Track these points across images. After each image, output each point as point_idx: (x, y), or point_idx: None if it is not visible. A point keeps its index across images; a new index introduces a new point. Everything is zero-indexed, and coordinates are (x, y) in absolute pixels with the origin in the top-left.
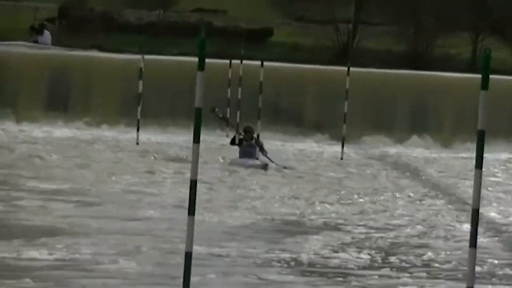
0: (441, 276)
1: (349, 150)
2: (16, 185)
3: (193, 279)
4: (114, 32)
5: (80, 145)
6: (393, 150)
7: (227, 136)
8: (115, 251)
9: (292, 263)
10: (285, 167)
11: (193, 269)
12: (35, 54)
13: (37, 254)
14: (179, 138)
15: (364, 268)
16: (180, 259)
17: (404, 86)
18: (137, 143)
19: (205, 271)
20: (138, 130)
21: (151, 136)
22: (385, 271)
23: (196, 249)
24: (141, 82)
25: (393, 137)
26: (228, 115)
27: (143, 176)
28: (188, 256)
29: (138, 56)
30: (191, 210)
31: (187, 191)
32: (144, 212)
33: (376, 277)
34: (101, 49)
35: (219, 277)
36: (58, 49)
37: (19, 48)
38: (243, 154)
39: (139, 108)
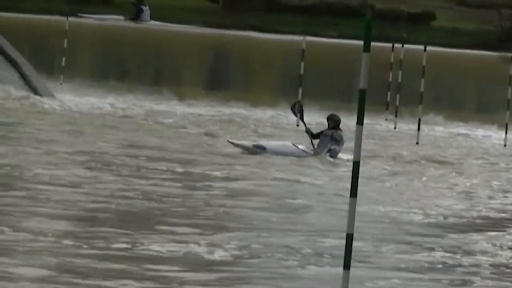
0: None
1: None
2: None
3: None
4: (274, 12)
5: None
6: None
7: (386, 119)
8: None
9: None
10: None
11: None
12: (196, 32)
13: None
14: None
15: None
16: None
17: None
18: (297, 125)
19: None
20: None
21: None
22: None
23: None
24: (302, 64)
25: None
26: (388, 99)
27: None
28: (349, 237)
29: (298, 37)
30: (353, 192)
31: None
32: None
33: None
34: (260, 29)
35: None
36: (154, 24)
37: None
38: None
39: (300, 90)
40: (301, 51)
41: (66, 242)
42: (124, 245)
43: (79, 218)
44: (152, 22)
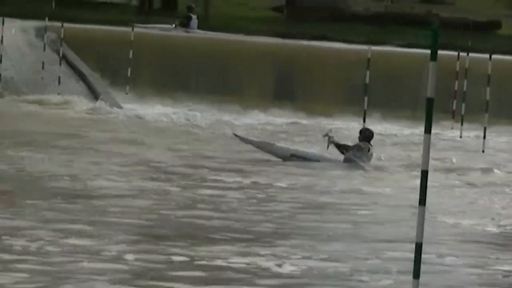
0: None
1: None
2: None
3: None
4: (339, 21)
5: (305, 133)
6: None
7: (452, 128)
8: None
9: None
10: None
11: None
12: (260, 42)
13: None
14: (403, 130)
15: None
16: None
17: None
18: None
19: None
20: (364, 121)
21: (373, 126)
22: None
23: None
24: (368, 73)
25: None
26: (453, 108)
27: None
28: (418, 246)
29: (364, 47)
30: (422, 200)
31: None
32: None
33: None
34: (326, 38)
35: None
36: (202, 33)
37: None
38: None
39: (366, 99)
40: (366, 60)
41: (127, 255)
42: (185, 258)
43: (140, 229)
44: (199, 31)
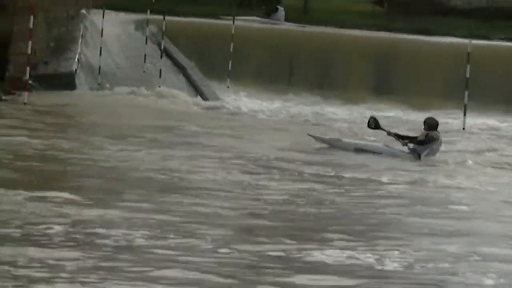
0: None
1: None
2: None
3: None
4: (440, 15)
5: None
6: None
7: None
8: None
9: None
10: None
11: None
12: (361, 36)
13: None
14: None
15: None
16: None
17: None
18: (463, 128)
19: None
20: (464, 114)
21: (479, 120)
22: None
23: None
24: (468, 67)
25: None
26: None
27: None
28: None
29: (464, 41)
30: None
31: None
32: None
33: None
34: (426, 32)
35: None
36: (289, 25)
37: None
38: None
39: (466, 93)
40: (466, 54)
41: (223, 248)
42: (282, 253)
43: (237, 223)
44: (287, 23)
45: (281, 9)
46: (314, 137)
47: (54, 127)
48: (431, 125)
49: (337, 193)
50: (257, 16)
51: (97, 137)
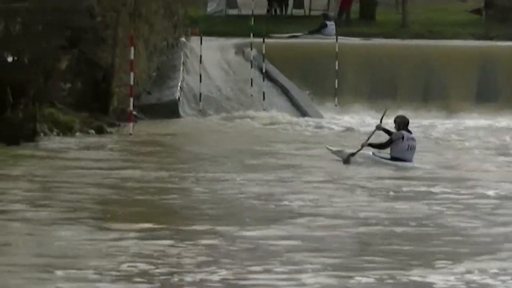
0: None
1: None
2: None
3: None
4: None
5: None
6: None
7: None
8: None
9: None
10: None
11: None
12: (461, 45)
13: None
14: None
15: None
16: None
17: None
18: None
19: None
20: None
21: None
22: None
23: None
24: None
25: None
26: None
27: None
28: None
29: None
30: None
31: None
32: None
33: None
34: None
35: None
36: (342, 39)
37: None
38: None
39: None
40: None
41: (338, 271)
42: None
43: (350, 245)
44: (338, 36)
45: (329, 24)
46: (331, 151)
47: (160, 157)
48: (400, 123)
49: (455, 214)
50: (307, 32)
51: (206, 165)
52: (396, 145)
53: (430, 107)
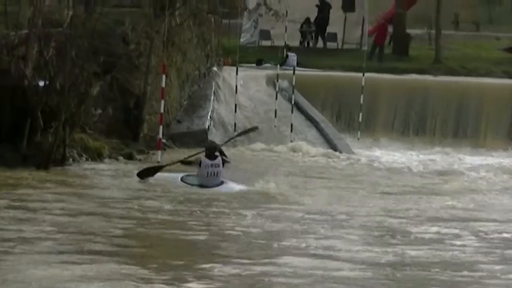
0: None
1: None
2: None
3: None
4: None
5: None
6: None
7: None
8: None
9: None
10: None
11: None
12: (495, 83)
13: None
14: None
15: None
16: None
17: None
18: None
19: None
20: None
21: None
22: None
23: None
24: None
25: None
26: None
27: None
28: None
29: None
30: None
31: None
32: None
33: None
34: None
35: None
36: (301, 70)
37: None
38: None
39: None
40: None
41: None
42: None
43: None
44: (298, 68)
45: (291, 55)
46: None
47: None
48: (206, 148)
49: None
50: (270, 63)
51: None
52: (199, 171)
53: (459, 143)
